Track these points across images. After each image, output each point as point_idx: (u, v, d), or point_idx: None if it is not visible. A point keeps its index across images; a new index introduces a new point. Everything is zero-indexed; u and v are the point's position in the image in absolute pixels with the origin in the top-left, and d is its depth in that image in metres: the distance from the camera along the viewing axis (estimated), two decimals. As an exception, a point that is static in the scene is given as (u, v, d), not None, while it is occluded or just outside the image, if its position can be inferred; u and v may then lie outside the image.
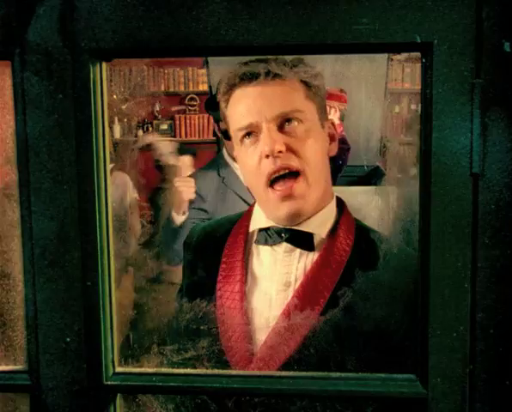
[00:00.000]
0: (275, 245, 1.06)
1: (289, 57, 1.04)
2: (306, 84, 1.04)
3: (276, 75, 1.01)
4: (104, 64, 0.72)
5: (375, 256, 0.98)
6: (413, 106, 4.74)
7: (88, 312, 0.73)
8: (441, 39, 0.68)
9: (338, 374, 0.73)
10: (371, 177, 3.64)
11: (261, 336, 1.02)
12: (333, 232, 1.06)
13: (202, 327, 0.97)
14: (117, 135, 5.62)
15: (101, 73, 0.72)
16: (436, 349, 0.70)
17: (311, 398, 0.84)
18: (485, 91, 0.68)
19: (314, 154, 1.04)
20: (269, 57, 1.01)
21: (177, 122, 5.52)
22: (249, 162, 1.05)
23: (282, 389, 0.72)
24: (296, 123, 1.02)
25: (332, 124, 1.12)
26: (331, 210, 1.09)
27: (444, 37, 0.68)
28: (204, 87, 5.22)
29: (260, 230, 1.08)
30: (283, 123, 1.02)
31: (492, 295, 0.69)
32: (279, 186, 1.01)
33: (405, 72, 4.74)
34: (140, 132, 5.57)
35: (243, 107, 1.04)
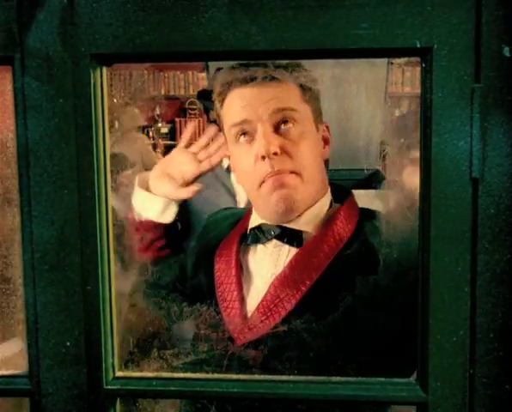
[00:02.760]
0: (265, 242, 1.08)
1: (287, 61, 1.05)
2: (302, 87, 1.05)
3: (273, 77, 1.02)
4: (104, 69, 0.72)
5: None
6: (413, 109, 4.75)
7: (89, 316, 0.73)
8: (441, 43, 0.68)
9: (337, 378, 0.73)
10: (371, 180, 3.62)
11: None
12: (328, 222, 1.07)
13: (202, 331, 0.97)
14: (117, 138, 5.64)
15: (102, 78, 0.72)
16: (436, 353, 0.70)
17: (311, 403, 0.84)
18: (485, 95, 0.68)
19: (308, 157, 1.04)
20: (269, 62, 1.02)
21: (177, 126, 5.53)
22: (244, 162, 1.06)
23: (282, 393, 0.72)
24: (291, 124, 1.03)
25: (327, 127, 1.13)
26: (322, 205, 1.10)
27: (444, 42, 0.68)
28: (204, 91, 5.23)
29: (252, 229, 1.10)
30: (278, 124, 1.03)
31: (492, 299, 0.69)
32: (272, 178, 1.02)
33: (405, 76, 4.75)
34: (140, 136, 5.58)
35: (238, 105, 1.04)
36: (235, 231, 1.16)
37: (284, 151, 1.01)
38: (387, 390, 0.72)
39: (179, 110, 5.61)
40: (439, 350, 0.70)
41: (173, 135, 5.62)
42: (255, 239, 1.09)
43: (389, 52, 0.73)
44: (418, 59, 0.71)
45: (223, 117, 1.10)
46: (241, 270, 1.10)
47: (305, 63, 1.09)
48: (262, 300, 1.03)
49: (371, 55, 0.73)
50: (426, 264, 0.70)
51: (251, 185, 1.06)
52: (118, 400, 0.75)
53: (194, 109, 5.46)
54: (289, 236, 1.05)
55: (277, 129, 1.03)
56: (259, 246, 1.10)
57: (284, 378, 0.73)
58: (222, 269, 1.10)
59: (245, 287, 1.08)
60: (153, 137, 5.66)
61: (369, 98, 3.90)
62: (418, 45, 0.68)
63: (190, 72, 5.40)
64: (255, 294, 1.06)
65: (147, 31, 0.70)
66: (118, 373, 0.75)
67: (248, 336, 1.01)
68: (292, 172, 1.02)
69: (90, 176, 0.72)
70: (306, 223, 1.07)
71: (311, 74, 1.06)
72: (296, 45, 0.69)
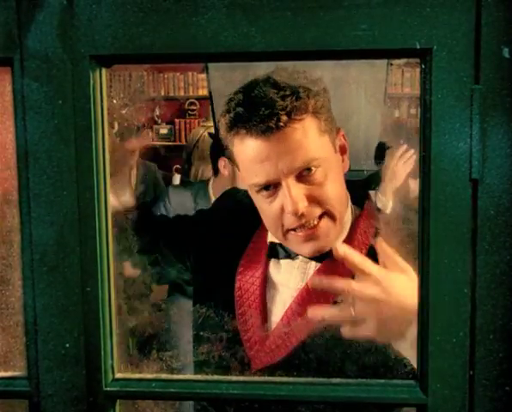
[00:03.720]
0: (292, 257, 1.04)
1: (303, 87, 0.96)
2: (317, 116, 0.97)
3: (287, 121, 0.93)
4: (104, 70, 0.72)
5: None
6: (413, 111, 4.75)
7: (88, 317, 0.73)
8: (441, 44, 0.68)
9: (338, 380, 0.73)
10: (371, 182, 3.59)
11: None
12: (350, 234, 1.04)
13: (202, 333, 0.96)
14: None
15: (101, 79, 0.72)
16: (436, 355, 0.70)
17: (311, 404, 0.84)
18: (485, 97, 0.68)
19: (336, 191, 1.00)
20: (279, 102, 0.93)
21: (177, 127, 5.53)
22: (267, 212, 1.00)
23: (282, 395, 0.72)
24: (314, 169, 0.97)
25: (343, 136, 1.07)
26: (347, 217, 1.06)
27: (443, 43, 0.68)
28: (204, 92, 5.23)
29: (272, 244, 1.05)
30: (301, 173, 0.96)
31: (492, 301, 0.69)
32: (301, 230, 0.97)
33: (404, 77, 4.75)
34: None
35: (255, 161, 0.95)
36: (256, 244, 1.10)
37: (311, 199, 0.96)
38: (388, 392, 0.72)
39: (178, 111, 5.61)
40: (439, 352, 0.70)
41: (172, 136, 5.62)
42: (276, 255, 1.05)
43: (389, 53, 0.73)
44: (418, 60, 0.71)
45: (237, 157, 1.01)
46: (266, 286, 1.06)
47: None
48: (285, 314, 1.01)
49: (371, 56, 0.73)
50: (426, 266, 0.70)
51: (276, 230, 1.00)
52: (118, 402, 0.75)
53: (194, 110, 5.46)
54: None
55: (300, 177, 0.96)
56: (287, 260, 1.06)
57: (284, 379, 0.73)
58: (245, 290, 1.05)
59: (268, 298, 1.05)
60: (152, 138, 5.66)
61: (369, 99, 3.88)
62: (418, 47, 0.68)
63: (190, 73, 5.39)
64: (281, 307, 1.04)
65: (146, 32, 0.70)
66: (118, 375, 0.75)
67: (265, 360, 0.99)
68: (322, 215, 0.98)
69: (89, 177, 0.71)
70: (336, 240, 1.03)
71: (322, 99, 0.98)
72: (296, 47, 0.69)
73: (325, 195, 0.97)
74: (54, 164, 0.71)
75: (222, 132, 1.00)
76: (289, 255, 1.02)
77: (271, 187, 0.96)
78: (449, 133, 0.68)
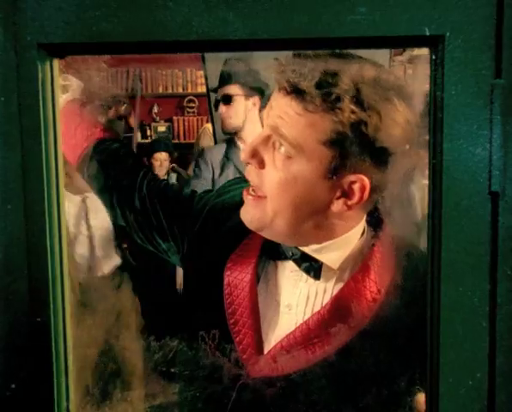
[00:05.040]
0: (282, 260, 0.95)
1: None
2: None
3: None
4: (55, 61, 0.61)
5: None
6: None
7: (38, 352, 0.62)
8: (455, 31, 0.57)
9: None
10: None
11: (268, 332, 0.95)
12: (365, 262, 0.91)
13: (173, 369, 0.85)
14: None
15: (52, 72, 0.61)
16: (448, 399, 0.59)
17: None
18: (507, 93, 0.57)
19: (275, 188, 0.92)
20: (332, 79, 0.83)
21: (175, 124, 5.43)
22: None
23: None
24: (281, 146, 0.89)
25: (363, 185, 0.92)
26: (352, 237, 0.92)
27: (458, 29, 0.57)
28: (202, 89, 5.12)
29: (268, 242, 0.95)
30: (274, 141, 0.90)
31: (515, 336, 0.58)
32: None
33: (406, 74, 4.64)
34: (138, 134, 5.49)
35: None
36: (251, 240, 1.01)
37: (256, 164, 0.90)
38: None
39: (177, 108, 5.50)
40: (451, 395, 0.59)
41: (171, 133, 5.52)
42: (270, 255, 0.97)
43: (392, 42, 0.62)
44: (426, 51, 0.61)
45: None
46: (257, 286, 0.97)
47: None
48: (288, 337, 0.92)
49: (370, 45, 0.62)
50: (436, 294, 0.59)
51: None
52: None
53: (192, 107, 5.35)
54: (306, 264, 0.92)
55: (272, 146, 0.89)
56: (279, 263, 0.97)
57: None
58: (234, 285, 0.97)
59: (260, 299, 0.96)
60: (150, 136, 5.56)
61: None
62: (427, 34, 0.57)
63: (188, 70, 5.29)
64: (271, 322, 0.95)
65: (104, 16, 0.59)
66: (76, 418, 0.64)
67: (265, 370, 0.90)
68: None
69: (39, 188, 0.60)
70: (330, 256, 0.91)
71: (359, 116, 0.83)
72: (282, 34, 0.58)
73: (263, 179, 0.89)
74: (-2, 172, 0.60)
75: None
76: (283, 255, 0.94)
77: None
78: (465, 137, 0.58)
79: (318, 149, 0.82)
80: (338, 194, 0.86)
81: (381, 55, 3.41)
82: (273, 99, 0.87)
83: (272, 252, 0.95)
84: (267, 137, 0.87)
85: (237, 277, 0.97)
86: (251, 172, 0.89)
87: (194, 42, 0.59)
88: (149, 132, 5.51)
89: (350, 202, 0.86)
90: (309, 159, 0.83)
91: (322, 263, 0.91)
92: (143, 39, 0.59)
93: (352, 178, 0.85)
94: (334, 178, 0.85)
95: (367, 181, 0.85)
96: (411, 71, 4.37)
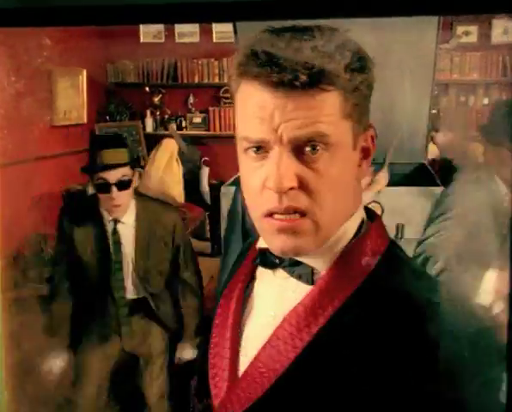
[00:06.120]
0: (273, 268, 0.87)
1: (344, 55, 0.76)
2: (345, 96, 0.78)
3: (311, 83, 0.75)
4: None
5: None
6: (462, 99, 5.03)
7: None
8: None
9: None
10: (416, 176, 3.55)
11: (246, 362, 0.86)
12: (344, 255, 0.83)
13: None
14: (149, 128, 5.54)
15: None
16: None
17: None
18: None
19: (332, 192, 0.79)
20: (305, 59, 0.74)
21: (211, 115, 5.43)
22: (248, 177, 0.81)
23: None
24: (319, 149, 0.77)
25: (372, 137, 0.84)
26: (345, 232, 0.84)
27: None
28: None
29: (261, 250, 0.88)
30: (301, 146, 0.77)
31: None
32: (279, 217, 0.78)
33: (453, 62, 5.08)
34: (173, 126, 5.53)
35: (254, 114, 0.77)
36: (247, 261, 0.95)
37: (302, 185, 0.77)
38: None
39: (213, 99, 5.49)
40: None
41: (206, 125, 5.58)
42: (263, 262, 0.88)
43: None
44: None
45: (237, 101, 0.81)
46: (242, 313, 0.89)
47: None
48: (258, 354, 0.83)
49: (437, 11, 0.46)
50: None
51: (254, 209, 0.82)
52: None
53: (229, 98, 5.43)
54: (297, 270, 0.84)
55: (298, 152, 0.77)
56: (269, 273, 0.88)
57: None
58: (220, 325, 0.90)
59: (244, 317, 0.89)
60: (186, 127, 5.61)
61: (414, 86, 3.91)
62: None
63: (225, 59, 5.33)
64: (253, 328, 0.88)
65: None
66: None
67: (236, 406, 0.83)
68: (305, 215, 0.78)
69: None
70: (318, 260, 0.83)
71: (359, 80, 0.78)
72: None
73: (319, 188, 0.77)
74: None
75: (232, 70, 0.81)
76: (273, 263, 0.86)
77: (262, 150, 0.78)
78: None
79: (342, 125, 0.78)
80: (360, 155, 0.83)
81: (428, 42, 3.57)
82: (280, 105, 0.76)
83: (263, 261, 0.88)
84: (297, 148, 0.77)
85: (227, 297, 0.93)
86: (291, 196, 0.77)
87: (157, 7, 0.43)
88: (184, 123, 5.47)
89: (366, 162, 0.84)
90: (339, 140, 0.78)
91: (313, 270, 0.83)
92: (94, 2, 0.43)
93: (369, 130, 0.84)
94: (359, 141, 0.82)
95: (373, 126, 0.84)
96: (458, 60, 4.78)
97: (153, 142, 5.00)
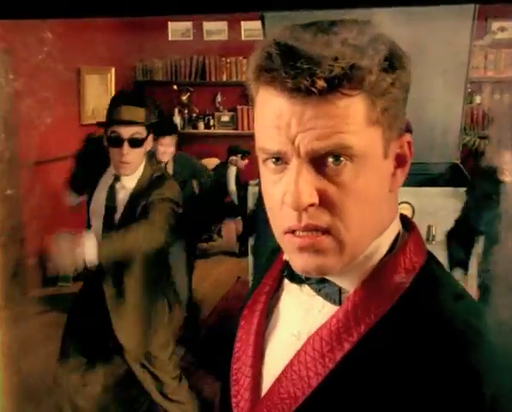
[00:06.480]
0: (299, 284, 0.81)
1: (371, 53, 0.67)
2: (372, 99, 0.69)
3: (331, 89, 0.66)
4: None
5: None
6: (496, 96, 4.93)
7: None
8: None
9: None
10: (449, 176, 3.51)
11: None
12: (375, 275, 0.76)
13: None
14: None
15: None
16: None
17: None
18: None
19: (360, 207, 0.71)
20: (323, 62, 0.65)
21: (239, 114, 5.39)
22: (270, 195, 0.75)
23: None
24: (343, 160, 0.69)
25: (408, 142, 0.76)
26: (373, 253, 0.76)
27: None
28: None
29: (287, 262, 0.82)
30: (323, 158, 0.68)
31: None
32: (299, 234, 0.72)
33: (488, 59, 4.97)
34: (201, 124, 5.51)
35: (272, 123, 0.70)
36: (273, 269, 0.89)
37: (324, 200, 0.70)
38: None
39: (241, 97, 5.41)
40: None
41: (234, 124, 5.55)
42: (290, 276, 0.81)
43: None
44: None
45: (256, 109, 0.74)
46: (266, 326, 0.84)
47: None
48: (285, 370, 0.78)
49: None
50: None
51: (275, 225, 0.76)
52: None
53: (257, 96, 5.40)
54: (324, 288, 0.78)
55: (320, 164, 0.69)
56: (296, 287, 0.82)
57: None
58: (244, 339, 0.85)
59: (266, 334, 0.84)
60: (214, 126, 5.60)
61: (448, 83, 3.81)
62: None
63: (253, 58, 5.33)
64: (276, 347, 0.83)
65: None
66: None
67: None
68: (327, 233, 0.71)
69: None
70: (349, 278, 0.76)
71: (390, 80, 0.69)
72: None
73: (342, 205, 0.70)
74: None
75: (248, 73, 0.74)
76: (300, 279, 0.80)
77: (282, 161, 0.71)
78: None
79: (369, 133, 0.70)
80: (394, 164, 0.74)
81: (462, 38, 3.49)
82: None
83: (290, 274, 0.82)
84: (318, 160, 0.69)
85: (247, 316, 0.87)
86: (311, 214, 0.70)
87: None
88: (212, 122, 5.44)
89: (401, 171, 0.75)
90: (366, 150, 0.70)
91: (341, 290, 0.77)
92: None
93: (404, 136, 0.75)
94: (391, 148, 0.73)
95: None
96: (493, 57, 4.67)
97: (181, 140, 4.99)
